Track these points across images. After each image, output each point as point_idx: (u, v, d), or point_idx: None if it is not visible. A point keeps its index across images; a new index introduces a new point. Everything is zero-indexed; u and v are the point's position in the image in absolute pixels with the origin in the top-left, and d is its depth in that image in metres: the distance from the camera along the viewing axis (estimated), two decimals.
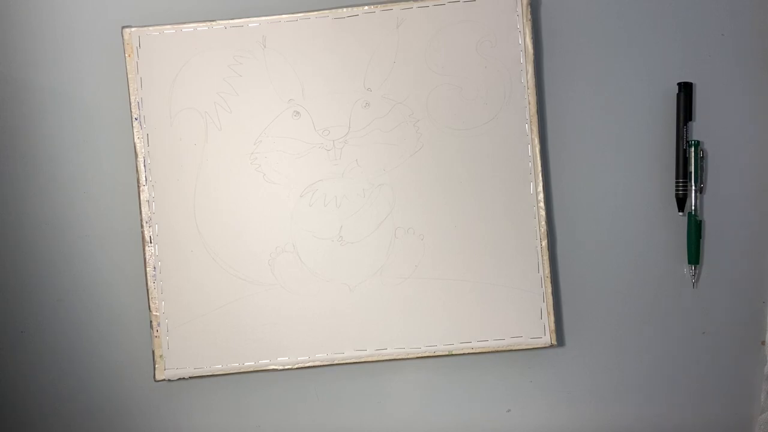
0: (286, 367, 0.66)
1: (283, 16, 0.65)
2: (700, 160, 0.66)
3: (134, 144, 0.65)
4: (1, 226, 0.68)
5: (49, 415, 0.70)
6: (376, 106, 0.65)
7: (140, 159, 0.65)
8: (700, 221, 0.67)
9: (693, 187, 0.66)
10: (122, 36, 0.64)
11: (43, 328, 0.69)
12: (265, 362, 0.66)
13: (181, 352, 0.66)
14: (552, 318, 0.65)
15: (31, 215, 0.68)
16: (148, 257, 0.66)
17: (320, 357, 0.66)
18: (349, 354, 0.66)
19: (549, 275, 0.66)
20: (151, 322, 0.66)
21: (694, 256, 0.67)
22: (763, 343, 0.68)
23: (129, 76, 0.65)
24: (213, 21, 0.64)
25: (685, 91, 0.66)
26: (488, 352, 0.66)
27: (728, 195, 0.68)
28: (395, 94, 0.65)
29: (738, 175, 0.68)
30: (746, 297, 0.68)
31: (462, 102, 0.65)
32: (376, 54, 0.65)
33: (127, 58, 0.64)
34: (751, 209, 0.68)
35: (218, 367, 0.66)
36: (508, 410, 0.69)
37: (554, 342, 0.65)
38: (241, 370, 0.66)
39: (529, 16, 0.64)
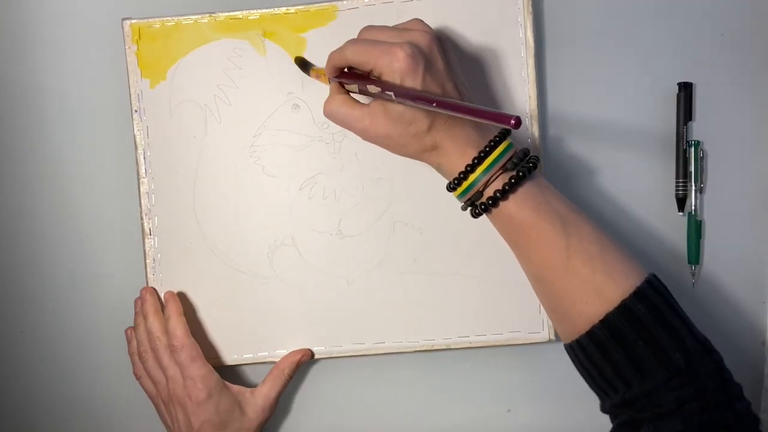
0: None
1: (283, 8, 0.65)
2: (700, 160, 0.66)
3: (134, 136, 0.65)
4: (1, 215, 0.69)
5: (49, 415, 0.70)
6: None
7: (140, 151, 0.65)
8: (700, 221, 0.66)
9: (693, 187, 0.66)
10: (123, 28, 0.64)
11: (43, 328, 0.69)
12: (263, 354, 0.66)
13: None
14: None
15: (30, 207, 0.68)
16: (147, 249, 0.65)
17: (318, 350, 0.66)
18: (347, 347, 0.66)
19: None
20: None
21: (694, 256, 0.66)
22: (763, 343, 0.67)
23: (129, 68, 0.65)
24: (213, 13, 0.64)
25: (685, 91, 0.66)
26: (486, 347, 0.65)
27: (728, 195, 0.67)
28: None
29: (738, 175, 0.67)
30: (746, 297, 0.67)
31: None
32: None
33: (128, 50, 0.64)
34: (751, 209, 0.67)
35: (216, 359, 0.66)
36: (509, 410, 0.68)
37: (552, 337, 0.65)
38: (239, 362, 0.66)
39: (530, 10, 0.63)
